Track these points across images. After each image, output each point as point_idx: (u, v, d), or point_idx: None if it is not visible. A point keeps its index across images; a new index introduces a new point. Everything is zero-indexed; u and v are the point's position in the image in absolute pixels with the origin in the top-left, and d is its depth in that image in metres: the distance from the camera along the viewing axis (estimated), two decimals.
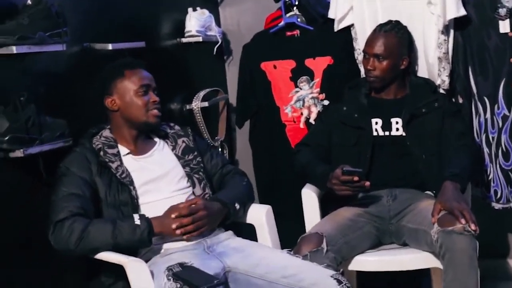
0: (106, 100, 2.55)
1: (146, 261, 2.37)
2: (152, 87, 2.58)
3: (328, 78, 3.41)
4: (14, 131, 2.33)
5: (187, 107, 3.49)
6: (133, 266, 2.26)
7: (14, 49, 2.29)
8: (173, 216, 2.39)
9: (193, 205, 2.44)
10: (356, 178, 2.64)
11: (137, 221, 2.32)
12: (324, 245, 2.57)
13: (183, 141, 2.71)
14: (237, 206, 2.59)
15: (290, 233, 2.80)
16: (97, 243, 2.29)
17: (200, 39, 3.48)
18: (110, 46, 2.81)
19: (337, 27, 3.34)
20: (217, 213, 2.52)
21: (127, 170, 2.48)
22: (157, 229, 2.36)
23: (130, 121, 2.56)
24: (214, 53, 3.68)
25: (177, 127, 2.76)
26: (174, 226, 2.37)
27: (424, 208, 2.70)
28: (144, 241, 2.33)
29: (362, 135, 2.99)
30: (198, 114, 3.48)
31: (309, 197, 2.92)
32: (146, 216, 2.37)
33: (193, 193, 2.60)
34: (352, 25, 3.31)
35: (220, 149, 3.70)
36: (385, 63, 2.96)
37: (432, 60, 3.16)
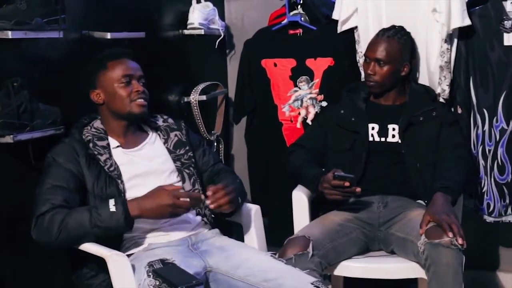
0: (91, 94, 2.53)
1: (129, 255, 2.36)
2: (136, 76, 2.53)
3: (328, 79, 3.40)
4: (5, 116, 2.31)
5: (185, 99, 3.46)
6: (114, 260, 2.24)
7: (9, 34, 2.28)
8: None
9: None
10: (347, 184, 2.63)
11: (112, 207, 2.25)
12: (310, 249, 2.56)
13: (176, 135, 2.67)
14: (239, 199, 2.56)
15: (279, 233, 2.80)
16: (76, 232, 2.26)
17: (202, 32, 3.44)
18: (109, 35, 2.78)
19: (340, 28, 3.32)
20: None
21: (115, 163, 2.46)
22: (135, 212, 2.29)
23: (116, 113, 2.53)
24: (216, 47, 3.64)
25: (170, 120, 2.72)
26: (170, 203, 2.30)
27: (414, 218, 2.68)
28: (122, 226, 2.27)
29: (357, 140, 2.97)
30: (195, 107, 3.45)
31: (299, 199, 2.91)
32: (124, 198, 2.33)
33: (183, 188, 2.55)
34: (356, 27, 3.29)
35: (216, 144, 3.69)
36: (385, 69, 2.94)
37: (433, 68, 3.14)
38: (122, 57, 2.55)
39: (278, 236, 2.75)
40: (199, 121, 3.48)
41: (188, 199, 2.29)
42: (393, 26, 3.03)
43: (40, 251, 2.44)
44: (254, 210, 2.68)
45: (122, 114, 2.52)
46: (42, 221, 2.27)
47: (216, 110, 3.78)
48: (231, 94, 3.82)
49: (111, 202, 2.27)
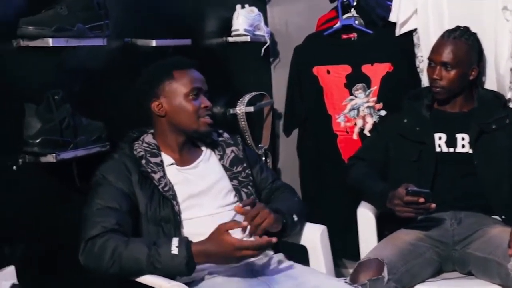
0: (152, 103, 2.33)
1: (188, 283, 2.14)
2: (203, 91, 2.36)
3: (387, 86, 3.25)
4: (46, 133, 2.17)
5: (231, 111, 3.34)
6: None
7: (50, 42, 2.14)
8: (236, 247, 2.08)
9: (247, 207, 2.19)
10: (421, 200, 2.44)
11: (174, 249, 2.05)
12: (385, 273, 2.39)
13: (232, 151, 2.48)
14: (295, 217, 2.37)
15: (337, 255, 2.72)
16: (130, 267, 2.06)
17: (248, 38, 3.32)
18: (153, 43, 2.65)
19: (399, 31, 3.18)
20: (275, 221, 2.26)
21: (170, 182, 2.27)
22: (199, 258, 2.07)
23: (178, 128, 2.34)
24: (262, 54, 3.53)
25: (226, 135, 2.53)
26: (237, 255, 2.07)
27: (496, 235, 2.52)
28: (182, 271, 2.06)
29: (424, 151, 2.79)
30: (242, 120, 3.32)
31: (366, 217, 2.74)
32: (188, 240, 2.10)
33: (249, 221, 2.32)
34: (415, 29, 3.15)
35: (263, 158, 3.54)
36: (453, 73, 2.76)
37: (503, 71, 2.96)
38: (189, 67, 2.37)
39: (335, 257, 2.61)
40: (246, 134, 3.35)
41: (255, 251, 2.07)
42: (458, 27, 2.86)
43: (84, 277, 2.26)
44: (320, 231, 2.50)
45: (186, 130, 2.34)
46: (92, 246, 2.09)
47: (262, 122, 3.66)
48: (277, 105, 3.71)
49: (174, 242, 2.07)
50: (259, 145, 3.56)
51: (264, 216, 2.17)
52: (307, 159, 3.47)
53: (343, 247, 3.10)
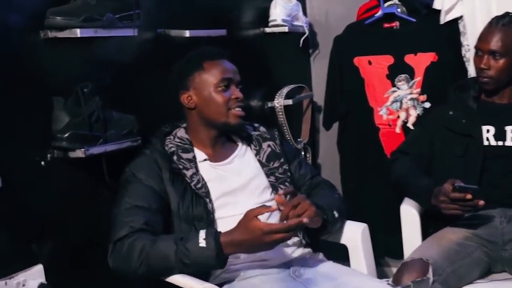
0: (181, 96, 2.26)
1: (221, 284, 2.08)
2: (235, 81, 2.27)
3: (431, 77, 3.16)
4: (75, 127, 2.11)
5: (269, 104, 3.25)
6: None
7: (78, 32, 2.09)
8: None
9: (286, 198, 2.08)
10: (469, 196, 2.32)
11: (202, 242, 1.96)
12: (430, 274, 2.27)
13: (269, 146, 2.38)
14: (336, 214, 2.27)
15: (379, 254, 2.65)
16: (158, 266, 1.99)
17: (286, 29, 3.23)
18: (187, 33, 2.59)
19: (444, 19, 3.08)
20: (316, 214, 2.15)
21: (203, 179, 2.18)
22: (228, 248, 1.97)
23: (208, 121, 2.26)
24: (300, 45, 3.44)
25: (262, 128, 2.44)
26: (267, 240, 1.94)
27: None
28: (213, 265, 1.98)
29: (471, 144, 2.66)
30: (280, 113, 3.22)
31: (410, 214, 2.62)
32: (216, 231, 2.01)
33: (278, 208, 2.23)
34: (461, 17, 3.06)
35: (303, 153, 3.46)
36: (502, 62, 2.63)
37: None
38: (220, 57, 2.28)
39: (377, 256, 2.52)
40: (285, 128, 3.26)
41: (286, 234, 1.94)
42: (508, 13, 2.71)
43: (113, 277, 2.17)
44: (361, 230, 2.40)
45: (215, 123, 2.26)
46: (120, 247, 2.02)
47: (301, 115, 3.57)
48: (317, 97, 3.63)
49: (201, 235, 1.98)
50: (298, 140, 3.47)
51: (305, 207, 2.06)
52: (348, 154, 3.41)
53: (386, 245, 3.01)
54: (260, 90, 3.24)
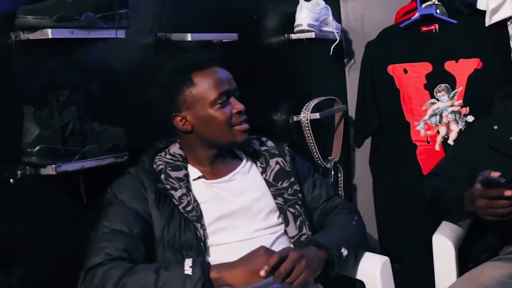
0: (174, 119, 2.03)
1: None
2: (232, 91, 2.03)
3: (475, 86, 2.94)
4: (45, 140, 1.90)
5: (294, 118, 3.05)
6: None
7: (49, 33, 1.87)
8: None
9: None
10: (508, 193, 1.97)
11: (187, 269, 1.77)
12: None
13: (277, 163, 2.15)
14: (344, 251, 1.99)
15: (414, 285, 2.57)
16: None
17: (312, 35, 3.02)
18: (189, 37, 2.36)
19: (489, 21, 2.84)
20: (313, 261, 1.90)
21: (195, 200, 1.96)
22: (220, 281, 1.79)
23: (209, 142, 2.04)
24: (331, 53, 3.23)
25: (270, 143, 2.20)
26: (262, 272, 1.77)
27: None
28: None
29: None
30: (307, 128, 3.00)
31: (442, 245, 2.33)
32: (204, 261, 1.83)
33: (285, 232, 2.05)
34: (509, 18, 2.82)
35: (333, 172, 3.23)
36: None
37: None
38: (210, 65, 2.04)
39: None
40: (311, 144, 3.04)
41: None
42: None
43: None
44: (381, 263, 2.11)
45: (219, 144, 2.05)
46: (93, 276, 1.81)
47: (333, 131, 3.36)
48: (352, 111, 3.40)
49: (187, 263, 1.80)
50: (329, 158, 3.25)
51: (301, 269, 1.82)
52: (382, 174, 3.21)
53: (418, 284, 2.73)
54: (285, 103, 3.05)
